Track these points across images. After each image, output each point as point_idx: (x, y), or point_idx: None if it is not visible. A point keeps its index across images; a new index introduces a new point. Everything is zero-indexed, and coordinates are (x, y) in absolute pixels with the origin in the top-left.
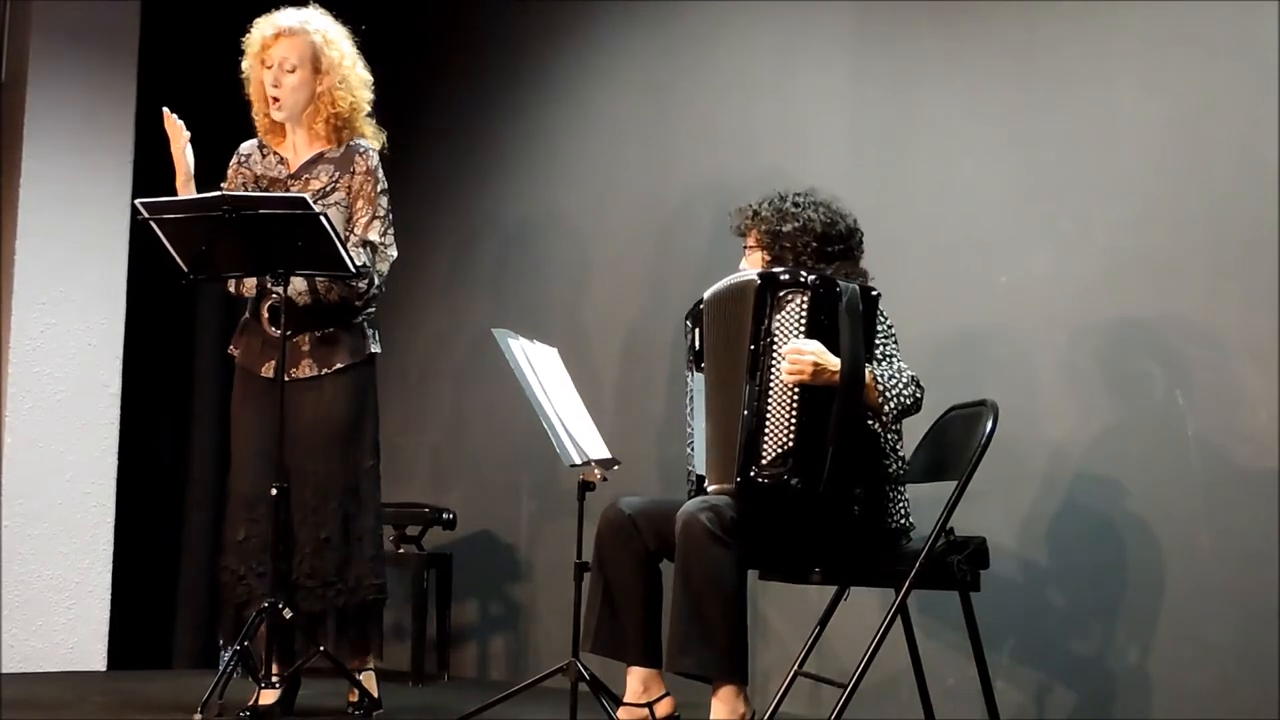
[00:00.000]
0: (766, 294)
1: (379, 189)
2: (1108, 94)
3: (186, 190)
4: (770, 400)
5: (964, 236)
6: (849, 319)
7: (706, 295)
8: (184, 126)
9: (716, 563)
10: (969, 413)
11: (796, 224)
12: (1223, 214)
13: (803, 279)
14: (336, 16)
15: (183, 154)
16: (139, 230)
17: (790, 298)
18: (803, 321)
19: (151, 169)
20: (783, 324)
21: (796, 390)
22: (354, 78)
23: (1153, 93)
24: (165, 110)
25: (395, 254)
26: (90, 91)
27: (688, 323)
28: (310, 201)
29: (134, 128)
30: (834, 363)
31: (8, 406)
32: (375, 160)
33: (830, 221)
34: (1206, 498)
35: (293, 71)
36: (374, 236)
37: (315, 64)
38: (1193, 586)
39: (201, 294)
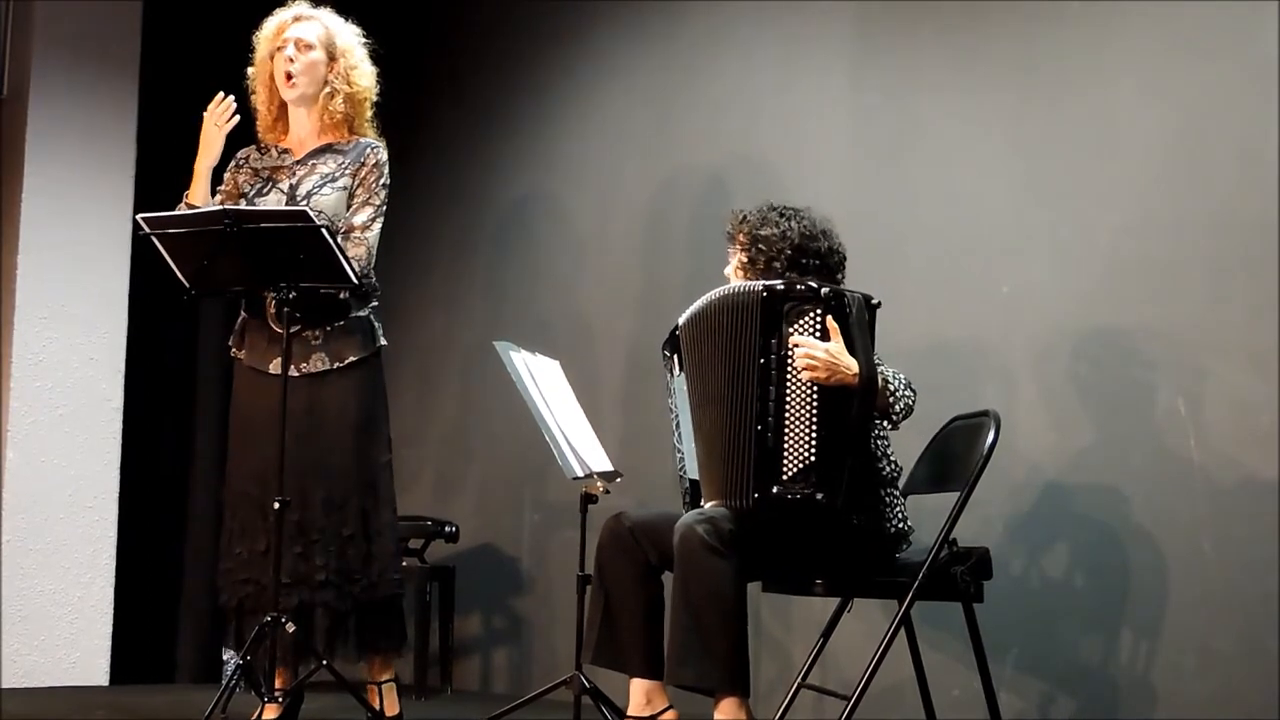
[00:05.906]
0: (776, 306)
1: (381, 182)
2: (1108, 101)
3: (202, 179)
4: (788, 414)
5: (965, 244)
6: (859, 328)
7: (682, 320)
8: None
9: (714, 575)
10: (971, 423)
11: (776, 230)
12: (1224, 221)
13: (813, 290)
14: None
15: (214, 142)
16: (140, 244)
17: (803, 309)
18: (817, 332)
19: (153, 183)
20: (798, 335)
21: (815, 403)
22: (364, 67)
23: (1153, 99)
24: (217, 100)
25: (374, 240)
26: (91, 106)
27: (665, 352)
28: (311, 214)
29: (135, 142)
30: (852, 364)
31: (9, 421)
32: (384, 157)
33: (810, 235)
34: (1209, 506)
35: (310, 49)
36: (357, 220)
37: (330, 48)
38: (1195, 595)
39: (204, 307)
